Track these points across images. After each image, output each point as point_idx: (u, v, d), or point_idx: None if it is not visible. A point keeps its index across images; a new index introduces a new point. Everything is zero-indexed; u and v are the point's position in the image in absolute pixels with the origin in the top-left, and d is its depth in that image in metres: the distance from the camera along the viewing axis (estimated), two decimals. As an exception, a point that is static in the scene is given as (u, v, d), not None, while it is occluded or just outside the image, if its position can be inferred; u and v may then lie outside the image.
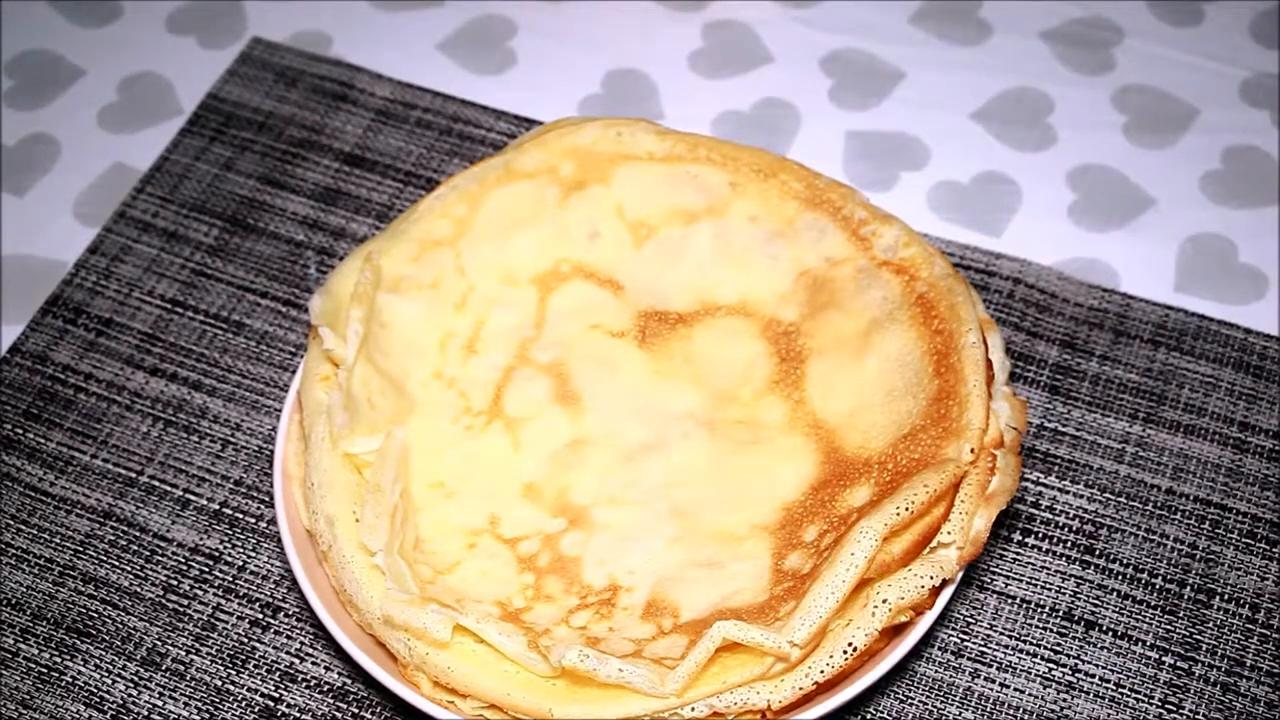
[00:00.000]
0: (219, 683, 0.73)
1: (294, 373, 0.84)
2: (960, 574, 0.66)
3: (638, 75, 1.00)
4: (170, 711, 0.72)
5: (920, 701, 0.72)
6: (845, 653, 0.63)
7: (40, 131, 0.98)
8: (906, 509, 0.64)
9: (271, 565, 0.77)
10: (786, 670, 0.63)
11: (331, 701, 0.73)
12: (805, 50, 1.01)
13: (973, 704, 0.72)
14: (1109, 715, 0.71)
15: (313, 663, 0.74)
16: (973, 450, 0.66)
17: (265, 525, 0.79)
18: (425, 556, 0.69)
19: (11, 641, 0.74)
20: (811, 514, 0.69)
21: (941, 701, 0.72)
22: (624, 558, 0.69)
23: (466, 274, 0.78)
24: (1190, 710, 0.71)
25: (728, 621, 0.62)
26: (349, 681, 0.73)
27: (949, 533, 0.66)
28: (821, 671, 0.63)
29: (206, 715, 0.72)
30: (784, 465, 0.71)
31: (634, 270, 0.79)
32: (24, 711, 0.72)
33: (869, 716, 0.71)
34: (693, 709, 0.63)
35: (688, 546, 0.69)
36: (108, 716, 0.72)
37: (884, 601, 0.64)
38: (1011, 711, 0.71)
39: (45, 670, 0.73)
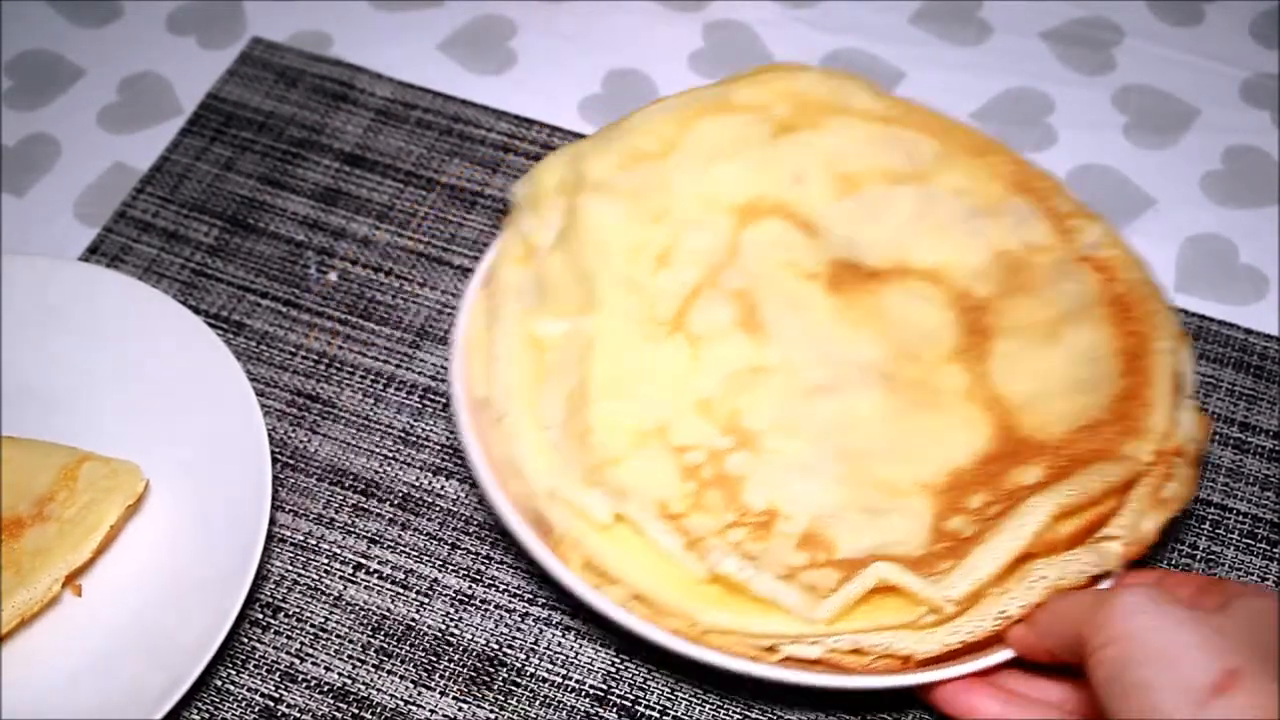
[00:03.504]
0: (219, 682, 0.73)
1: (294, 373, 0.85)
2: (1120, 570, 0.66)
3: (638, 75, 1.00)
4: (170, 710, 0.72)
5: (920, 702, 0.72)
6: (996, 619, 0.63)
7: (40, 131, 0.98)
8: (1080, 493, 0.64)
9: (271, 566, 0.77)
10: (936, 624, 0.64)
11: (331, 702, 0.73)
12: (805, 50, 1.01)
13: (973, 704, 0.72)
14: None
15: (313, 663, 0.74)
16: (1153, 453, 0.67)
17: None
18: (593, 446, 0.70)
19: (11, 642, 0.75)
20: (979, 483, 0.69)
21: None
22: (786, 487, 0.70)
23: (668, 191, 0.79)
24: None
25: (887, 563, 0.62)
26: (349, 682, 0.73)
27: (1119, 528, 0.66)
28: (970, 632, 0.63)
29: (207, 715, 0.72)
30: (957, 432, 0.71)
31: (833, 220, 0.79)
32: (24, 712, 0.72)
33: (869, 717, 0.71)
34: (836, 640, 0.63)
35: (851, 490, 0.69)
36: (108, 717, 0.72)
37: (1042, 578, 0.64)
38: None
39: (45, 670, 0.74)
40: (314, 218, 0.92)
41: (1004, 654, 0.65)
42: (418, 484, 0.80)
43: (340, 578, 0.77)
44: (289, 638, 0.75)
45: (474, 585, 0.77)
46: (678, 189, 0.79)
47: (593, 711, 0.72)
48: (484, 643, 0.75)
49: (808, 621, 0.63)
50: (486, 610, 0.76)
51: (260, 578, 0.77)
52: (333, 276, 0.89)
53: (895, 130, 0.80)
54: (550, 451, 0.69)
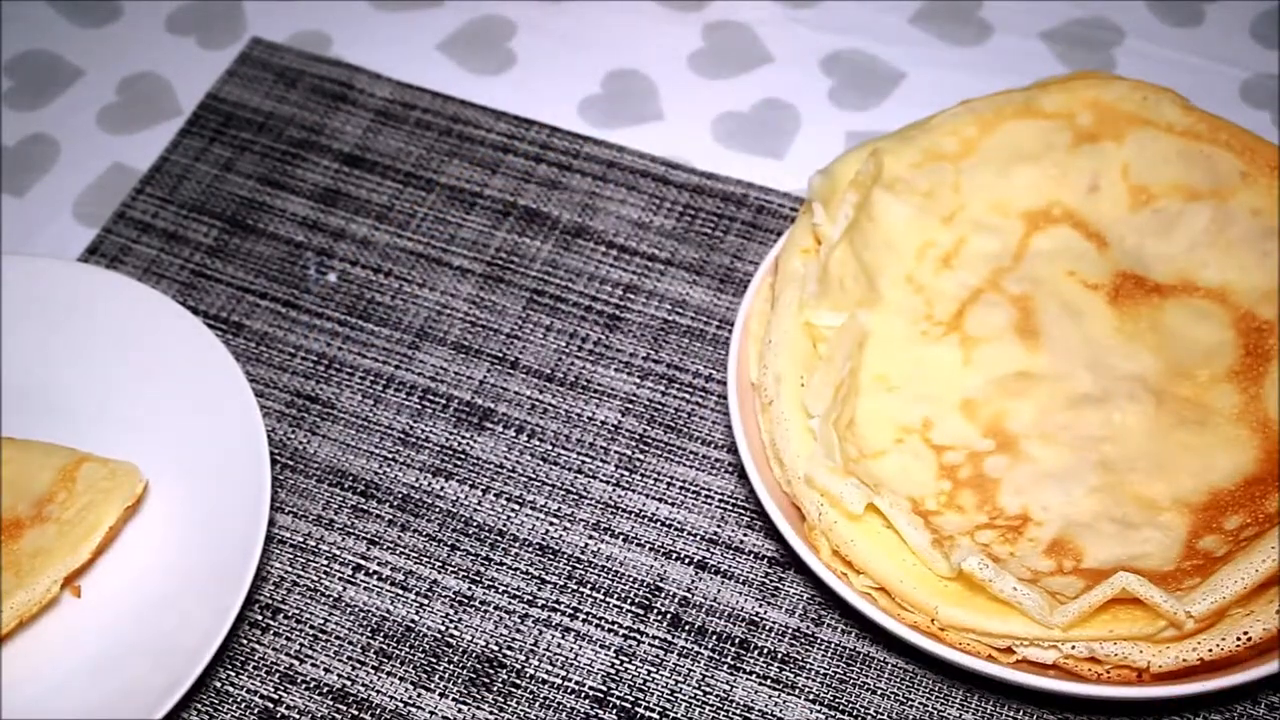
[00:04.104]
0: (218, 683, 0.73)
1: (293, 374, 0.85)
2: None
3: (638, 75, 1.00)
4: (169, 711, 0.72)
5: (920, 704, 0.72)
6: (1239, 640, 0.64)
7: (40, 132, 0.98)
8: None
9: (271, 568, 0.77)
10: (1175, 639, 0.64)
11: (331, 703, 0.73)
12: (805, 50, 1.01)
13: (972, 707, 0.72)
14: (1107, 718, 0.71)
15: (312, 665, 0.74)
16: None
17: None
18: (854, 438, 0.72)
19: (11, 643, 0.75)
20: (1238, 505, 0.69)
21: (941, 704, 0.72)
22: (1041, 493, 0.71)
23: (960, 192, 0.81)
24: (1190, 714, 0.71)
25: (1130, 574, 0.63)
26: (348, 684, 0.73)
27: None
28: (1210, 650, 0.64)
29: (207, 716, 0.72)
30: (1222, 452, 0.72)
31: (1123, 231, 0.80)
32: (23, 713, 0.72)
33: (869, 718, 0.71)
34: (1073, 647, 0.64)
35: (1106, 501, 0.70)
36: (107, 718, 0.72)
37: None
38: (1012, 715, 0.71)
39: (45, 672, 0.74)
40: (313, 218, 0.92)
41: (1269, 668, 0.64)
42: (417, 485, 0.80)
43: (339, 579, 0.77)
44: (288, 639, 0.75)
45: (473, 586, 0.77)
46: (971, 191, 0.81)
47: (592, 713, 0.72)
48: (483, 644, 0.75)
49: (1045, 625, 0.64)
50: (486, 611, 0.76)
51: (259, 579, 0.77)
52: (332, 277, 0.89)
53: (1199, 146, 0.80)
54: (812, 438, 0.71)
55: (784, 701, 0.72)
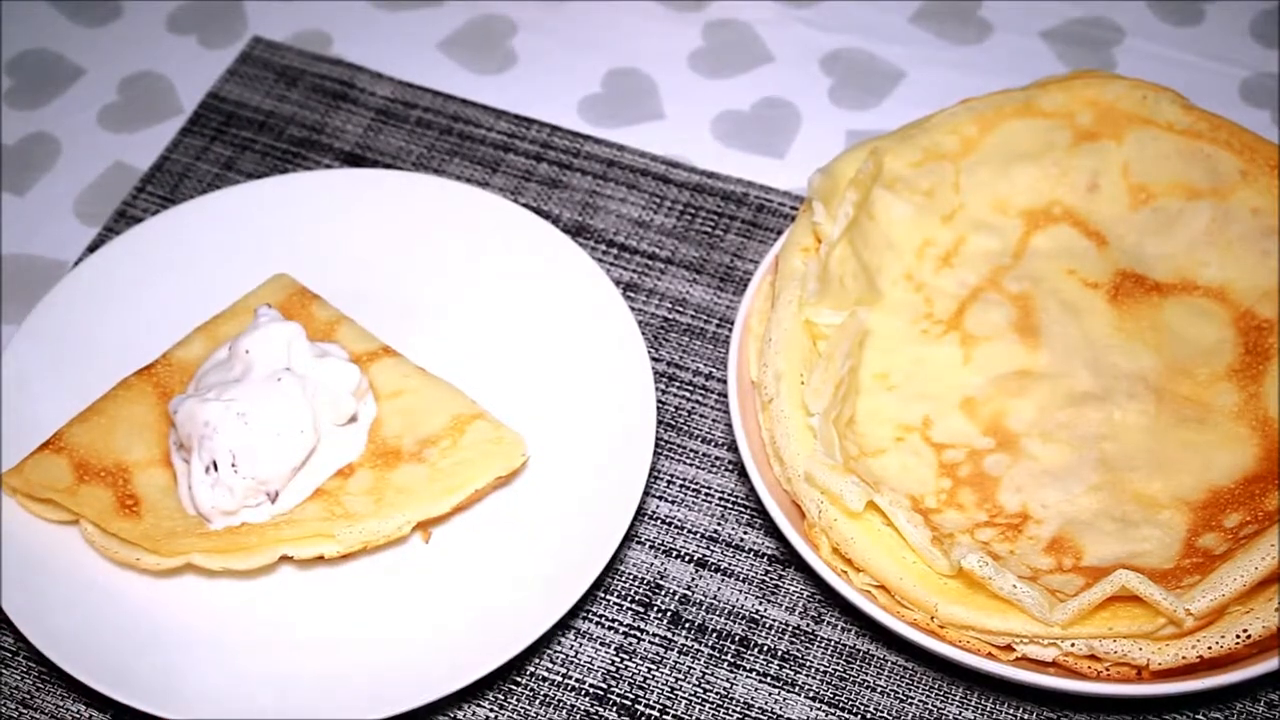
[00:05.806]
0: (219, 682, 0.73)
1: (294, 372, 0.85)
2: None
3: (638, 75, 1.00)
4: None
5: (920, 701, 0.72)
6: (1238, 637, 0.64)
7: (40, 131, 0.98)
8: None
9: (271, 565, 0.77)
10: (1174, 637, 0.64)
11: (331, 701, 0.73)
12: (805, 50, 1.01)
13: (972, 704, 0.72)
14: (1105, 717, 0.71)
15: (313, 662, 0.74)
16: None
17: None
18: (854, 436, 0.73)
19: (12, 641, 0.74)
20: (1238, 503, 0.70)
21: (941, 702, 0.72)
22: (1041, 491, 0.72)
23: (960, 192, 0.81)
24: (1189, 711, 0.71)
25: (1130, 572, 0.63)
26: (349, 681, 0.73)
27: None
28: (1209, 648, 0.64)
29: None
30: (1222, 450, 0.72)
31: (1123, 230, 0.81)
32: (24, 711, 0.72)
33: (868, 717, 0.71)
34: (1072, 644, 0.65)
35: (1106, 499, 0.71)
36: (109, 716, 0.72)
37: None
38: (1012, 712, 0.71)
39: (46, 670, 0.74)
40: (314, 217, 0.92)
41: (1269, 665, 0.65)
42: (418, 483, 0.80)
43: (340, 577, 0.77)
44: (289, 637, 0.75)
45: (474, 584, 0.77)
46: (971, 190, 0.81)
47: (592, 710, 0.72)
48: (484, 642, 0.75)
49: (1045, 623, 0.64)
50: (486, 609, 0.76)
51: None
52: (333, 276, 0.89)
53: (1199, 145, 0.80)
54: (811, 436, 0.71)
55: (784, 699, 0.72)
